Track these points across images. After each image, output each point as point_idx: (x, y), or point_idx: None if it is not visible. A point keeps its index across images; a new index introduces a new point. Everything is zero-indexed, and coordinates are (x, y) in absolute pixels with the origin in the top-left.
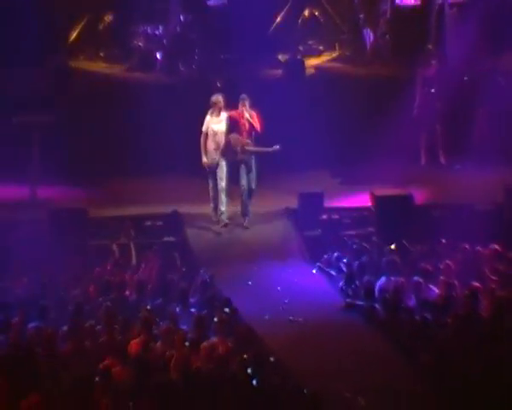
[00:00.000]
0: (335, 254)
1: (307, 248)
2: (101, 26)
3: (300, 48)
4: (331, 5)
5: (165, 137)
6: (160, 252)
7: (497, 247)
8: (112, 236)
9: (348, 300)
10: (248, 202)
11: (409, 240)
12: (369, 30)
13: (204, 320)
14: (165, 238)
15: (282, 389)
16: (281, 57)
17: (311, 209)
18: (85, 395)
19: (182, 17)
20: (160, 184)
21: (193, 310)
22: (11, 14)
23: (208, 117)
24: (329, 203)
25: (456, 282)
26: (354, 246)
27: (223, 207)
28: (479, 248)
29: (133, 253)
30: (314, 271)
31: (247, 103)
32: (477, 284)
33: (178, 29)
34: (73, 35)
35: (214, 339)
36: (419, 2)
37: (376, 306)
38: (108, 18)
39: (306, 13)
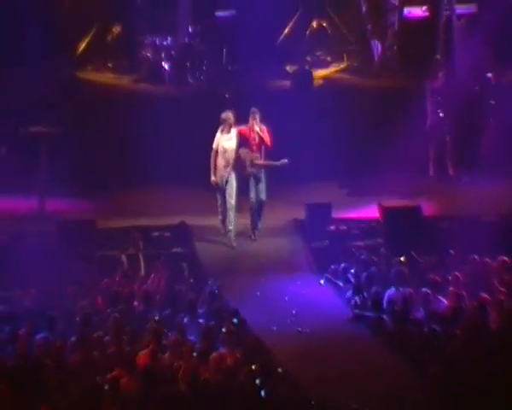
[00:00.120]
0: (342, 265)
1: (315, 259)
2: (109, 37)
3: (308, 59)
4: (339, 16)
5: (173, 148)
6: (168, 263)
7: (505, 258)
8: (120, 247)
9: (356, 311)
10: (257, 216)
11: (417, 251)
12: (376, 41)
13: (212, 331)
14: (174, 249)
15: (289, 400)
16: (289, 68)
17: (318, 220)
18: (93, 406)
19: (190, 28)
20: (168, 195)
21: (201, 321)
22: (20, 25)
23: (218, 134)
24: (337, 214)
25: (464, 293)
26: (362, 257)
27: (231, 226)
28: (487, 259)
29: (142, 264)
30: (322, 282)
31: (257, 117)
32: (486, 295)
33: (187, 40)
34: (82, 46)
35: (222, 350)
36: (427, 14)
37: (384, 317)
38: (117, 29)
39: (314, 24)
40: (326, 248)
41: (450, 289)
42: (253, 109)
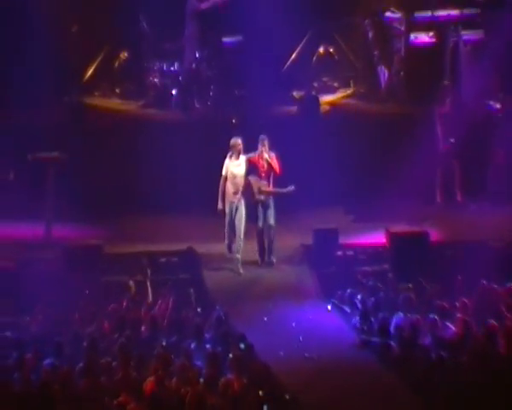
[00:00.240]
0: (349, 290)
1: (322, 285)
2: (116, 63)
3: (315, 85)
4: (346, 42)
5: (180, 173)
6: (175, 288)
7: None
8: (127, 272)
9: (363, 337)
10: (269, 247)
11: (424, 277)
12: (383, 67)
13: (218, 357)
14: (181, 275)
15: None
16: (295, 94)
17: (326, 246)
18: None
19: (197, 54)
20: (175, 221)
21: (208, 346)
22: (28, 51)
23: (227, 160)
24: (344, 240)
25: (472, 320)
26: (370, 283)
27: (238, 254)
28: (495, 285)
29: (149, 289)
30: (329, 307)
31: (266, 144)
32: (494, 322)
33: (194, 66)
34: (89, 72)
35: (229, 376)
36: (433, 40)
37: (391, 343)
38: (124, 55)
39: (321, 50)
40: (333, 274)
41: (458, 315)
42: (262, 136)
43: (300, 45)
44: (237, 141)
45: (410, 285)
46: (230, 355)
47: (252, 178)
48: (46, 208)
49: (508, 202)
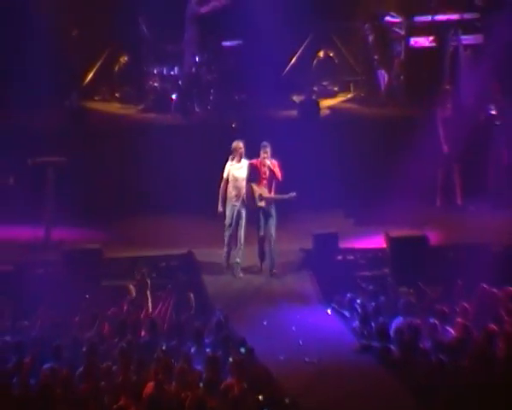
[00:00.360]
0: (348, 295)
1: (322, 289)
2: (116, 67)
3: (315, 89)
4: (345, 46)
5: (180, 178)
6: (175, 292)
7: None
8: (127, 276)
9: (363, 341)
10: (270, 258)
11: (424, 281)
12: (383, 71)
13: (218, 361)
14: (181, 279)
15: None
16: (295, 98)
17: (325, 250)
18: None
19: (197, 58)
20: (174, 225)
21: (208, 350)
22: (27, 54)
23: (229, 163)
24: (344, 244)
25: (472, 324)
26: (370, 287)
27: (239, 260)
28: (494, 289)
29: (149, 293)
30: (329, 311)
31: (268, 150)
32: (493, 325)
33: (194, 70)
34: (89, 76)
35: (229, 380)
36: (433, 44)
37: (391, 347)
38: (124, 59)
39: (321, 54)
40: (333, 278)
41: (458, 319)
42: (265, 143)
43: (300, 49)
44: (239, 144)
45: (410, 290)
46: (230, 359)
47: (253, 185)
48: (46, 212)
49: (508, 205)
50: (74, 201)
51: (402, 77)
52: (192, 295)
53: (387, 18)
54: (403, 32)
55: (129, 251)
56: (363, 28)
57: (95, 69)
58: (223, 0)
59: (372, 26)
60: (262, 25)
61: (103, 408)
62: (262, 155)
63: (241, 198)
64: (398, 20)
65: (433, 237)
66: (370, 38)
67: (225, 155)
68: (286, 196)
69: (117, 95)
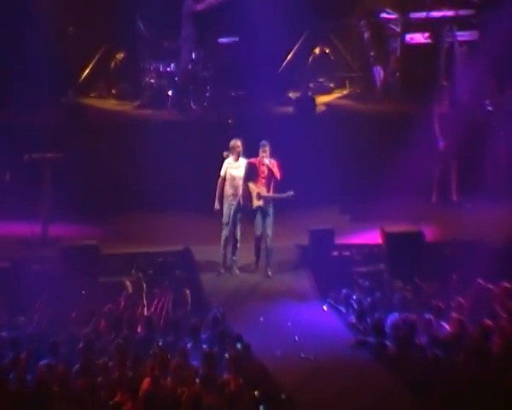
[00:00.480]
0: (344, 291)
1: (318, 285)
2: (113, 64)
3: (311, 85)
4: (341, 43)
5: (176, 174)
6: (171, 288)
7: (507, 285)
8: (123, 272)
9: (359, 336)
10: (266, 258)
11: (420, 277)
12: (379, 67)
13: (214, 357)
14: (177, 275)
15: None
16: (291, 94)
17: (321, 246)
18: None
19: (193, 55)
20: (171, 221)
21: (204, 346)
22: (24, 52)
23: (226, 161)
24: (340, 240)
25: (467, 319)
26: (366, 283)
27: (235, 257)
28: (490, 285)
29: (145, 289)
30: (324, 307)
31: (267, 149)
32: (489, 321)
33: (190, 67)
34: (85, 73)
35: (225, 375)
36: (429, 41)
37: (387, 342)
38: (120, 55)
39: (317, 50)
40: (329, 274)
41: (453, 315)
42: (264, 142)
43: (296, 46)
44: (237, 142)
45: (406, 285)
46: (227, 355)
47: (250, 184)
48: (42, 208)
49: (504, 200)
50: (71, 197)
51: (398, 73)
52: (188, 291)
53: (383, 14)
54: (398, 29)
55: (126, 247)
56: (358, 25)
57: (91, 66)
58: None
59: (368, 22)
60: (258, 22)
61: (100, 404)
62: (261, 153)
63: (237, 197)
64: (393, 16)
65: (429, 232)
66: (366, 35)
67: (222, 151)
68: (284, 195)
69: (113, 91)
